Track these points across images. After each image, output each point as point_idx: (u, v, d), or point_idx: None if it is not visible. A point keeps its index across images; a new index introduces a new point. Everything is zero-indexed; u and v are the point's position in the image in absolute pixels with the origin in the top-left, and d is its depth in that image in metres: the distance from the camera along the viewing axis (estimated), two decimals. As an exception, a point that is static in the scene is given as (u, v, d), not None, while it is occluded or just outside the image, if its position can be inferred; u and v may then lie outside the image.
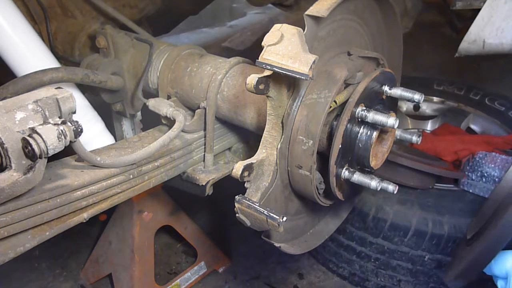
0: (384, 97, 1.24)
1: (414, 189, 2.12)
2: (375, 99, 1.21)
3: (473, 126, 2.77)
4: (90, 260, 2.30)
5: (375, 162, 1.24)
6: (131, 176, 1.22)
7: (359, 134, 1.14)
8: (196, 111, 1.42)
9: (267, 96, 1.05)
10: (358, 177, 1.16)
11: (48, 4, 1.79)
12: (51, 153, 0.90)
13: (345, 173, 1.17)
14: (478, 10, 1.79)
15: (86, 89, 1.67)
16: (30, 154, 0.88)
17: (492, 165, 2.15)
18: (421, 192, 2.11)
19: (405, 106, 3.00)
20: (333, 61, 1.16)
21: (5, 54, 1.46)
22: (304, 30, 0.98)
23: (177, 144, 1.35)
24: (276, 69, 0.95)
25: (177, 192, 1.56)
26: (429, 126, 2.93)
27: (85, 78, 1.46)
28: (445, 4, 2.27)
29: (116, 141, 1.60)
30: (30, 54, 1.48)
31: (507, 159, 2.17)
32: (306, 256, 2.47)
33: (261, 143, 1.12)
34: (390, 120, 1.07)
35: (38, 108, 0.92)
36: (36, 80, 1.34)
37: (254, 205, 1.03)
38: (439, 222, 1.96)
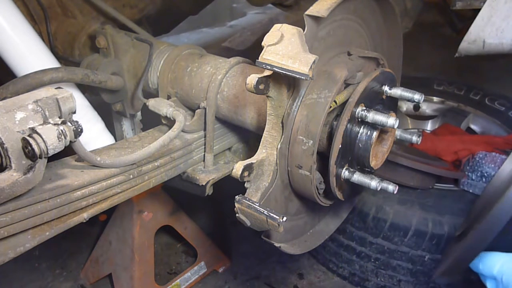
0: (384, 97, 1.24)
1: (414, 189, 2.12)
2: (375, 99, 1.21)
3: (473, 126, 2.77)
4: (90, 260, 2.30)
5: (375, 162, 1.24)
6: (131, 176, 1.22)
7: (359, 134, 1.14)
8: (196, 111, 1.42)
9: (267, 96, 1.05)
10: (358, 177, 1.16)
11: (48, 4, 1.79)
12: (51, 153, 0.90)
13: (345, 173, 1.17)
14: (478, 10, 1.78)
15: (86, 89, 1.67)
16: (30, 154, 0.88)
17: (492, 165, 2.15)
18: (421, 192, 2.11)
19: (405, 106, 3.00)
20: (333, 61, 1.16)
21: (5, 54, 1.46)
22: (304, 30, 0.98)
23: (177, 144, 1.35)
24: (276, 69, 0.95)
25: (177, 192, 1.56)
26: (429, 126, 2.93)
27: (85, 78, 1.46)
28: (445, 4, 2.27)
29: (116, 141, 1.60)
30: (30, 54, 1.48)
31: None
32: (306, 256, 2.46)
33: (261, 143, 1.12)
34: (390, 120, 1.07)
35: (38, 108, 0.92)
36: (36, 80, 1.34)
37: (254, 205, 1.03)
38: (439, 222, 1.96)
